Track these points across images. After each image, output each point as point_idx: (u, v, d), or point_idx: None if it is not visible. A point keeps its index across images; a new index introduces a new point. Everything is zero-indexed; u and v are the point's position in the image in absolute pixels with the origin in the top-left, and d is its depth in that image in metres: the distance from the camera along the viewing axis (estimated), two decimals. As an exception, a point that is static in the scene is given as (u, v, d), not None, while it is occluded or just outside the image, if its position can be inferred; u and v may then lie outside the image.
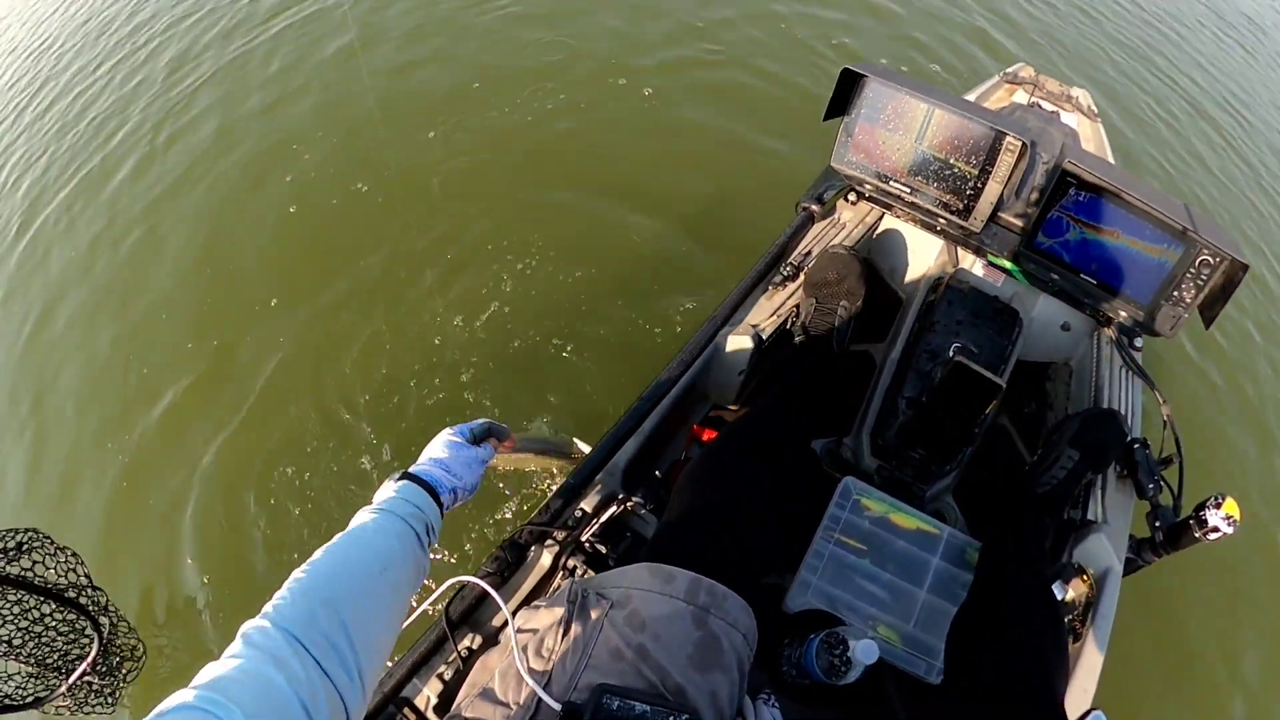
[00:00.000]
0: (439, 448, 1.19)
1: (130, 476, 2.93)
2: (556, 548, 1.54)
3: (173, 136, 4.35)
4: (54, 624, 2.34)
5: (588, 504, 1.62)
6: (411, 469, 1.15)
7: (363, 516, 1.02)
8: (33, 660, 2.28)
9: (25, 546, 2.33)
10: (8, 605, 2.24)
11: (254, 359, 3.14)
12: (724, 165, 3.90)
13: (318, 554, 0.91)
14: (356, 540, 0.95)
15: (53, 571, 2.35)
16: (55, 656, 2.37)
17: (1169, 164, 4.76)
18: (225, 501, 2.78)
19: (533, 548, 1.56)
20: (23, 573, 2.25)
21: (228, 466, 2.87)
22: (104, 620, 2.36)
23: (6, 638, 2.21)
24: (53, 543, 2.39)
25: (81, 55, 5.52)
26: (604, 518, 1.59)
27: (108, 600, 2.37)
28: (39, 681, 2.38)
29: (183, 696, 0.65)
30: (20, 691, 2.37)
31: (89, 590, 2.35)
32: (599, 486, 1.66)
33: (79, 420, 3.16)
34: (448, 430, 1.23)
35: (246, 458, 2.86)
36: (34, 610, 2.28)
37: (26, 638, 2.27)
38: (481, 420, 1.28)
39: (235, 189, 3.91)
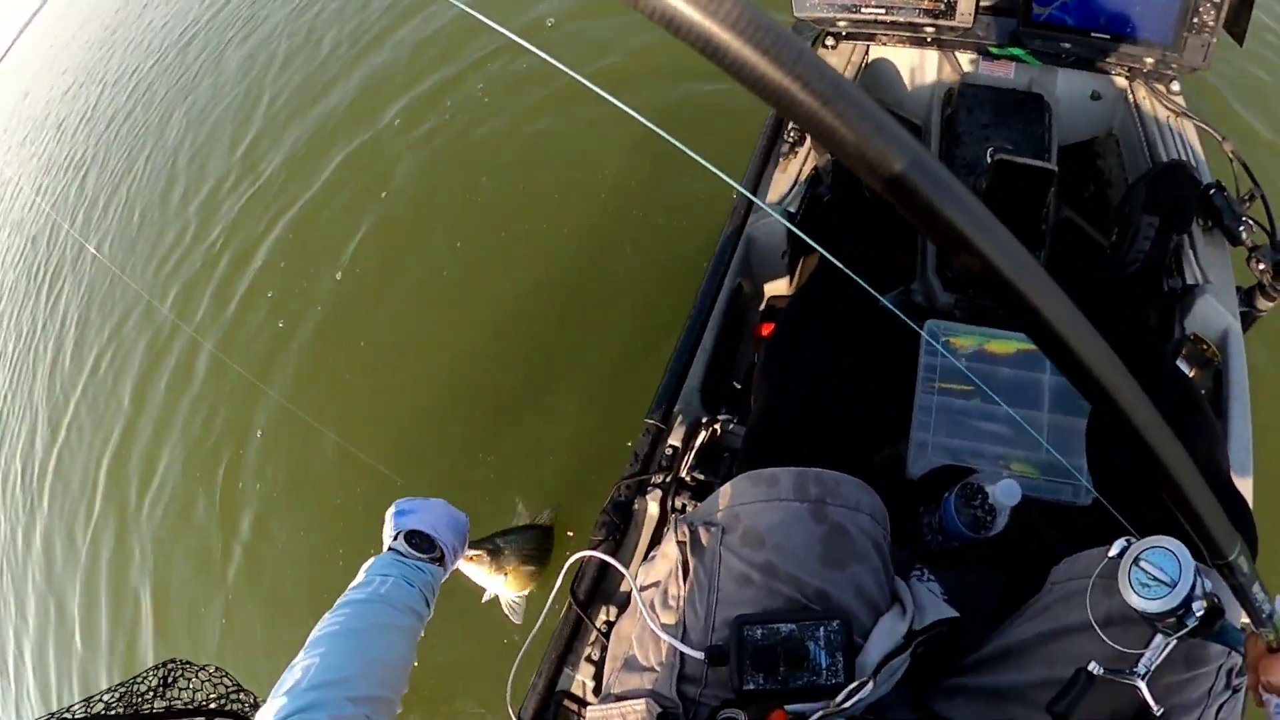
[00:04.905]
0: (459, 536, 1.40)
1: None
2: (659, 492, 1.46)
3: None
4: (219, 740, 2.38)
5: (675, 439, 1.54)
6: (435, 539, 1.30)
7: (386, 575, 1.14)
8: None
9: (170, 679, 2.36)
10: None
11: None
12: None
13: (335, 626, 0.99)
14: (376, 614, 1.06)
15: (201, 693, 2.39)
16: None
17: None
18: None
19: (635, 500, 1.49)
20: (170, 703, 2.28)
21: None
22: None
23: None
24: (192, 665, 2.43)
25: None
26: (695, 446, 1.51)
27: (256, 698, 2.39)
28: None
29: None
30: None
31: (238, 695, 2.38)
32: (679, 418, 1.57)
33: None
34: (463, 517, 1.45)
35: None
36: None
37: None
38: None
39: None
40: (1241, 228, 1.65)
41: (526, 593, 1.96)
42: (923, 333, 1.65)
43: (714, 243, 1.89)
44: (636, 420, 1.64)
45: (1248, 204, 1.70)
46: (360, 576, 1.16)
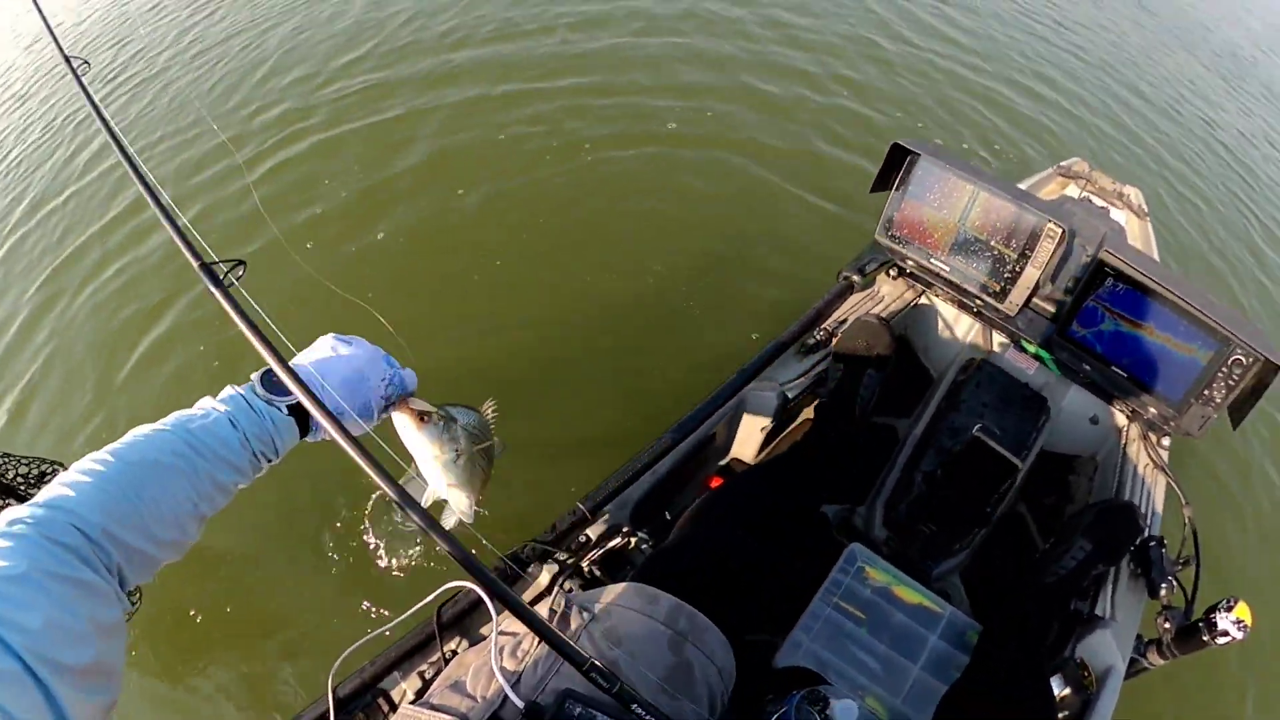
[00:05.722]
0: (354, 399, 1.04)
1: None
2: (556, 568, 1.57)
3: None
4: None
5: (594, 531, 1.65)
6: (317, 392, 0.96)
7: (216, 409, 0.94)
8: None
9: (46, 476, 2.41)
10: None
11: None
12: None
13: (107, 454, 0.83)
14: (165, 449, 0.86)
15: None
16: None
17: (1215, 264, 4.75)
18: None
19: (533, 564, 1.59)
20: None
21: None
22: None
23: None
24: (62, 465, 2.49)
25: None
26: (608, 547, 1.61)
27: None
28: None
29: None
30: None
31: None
32: (607, 516, 1.69)
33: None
34: (378, 380, 1.07)
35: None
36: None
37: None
38: (402, 389, 1.11)
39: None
40: (1164, 585, 1.77)
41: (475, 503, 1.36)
42: (845, 551, 1.76)
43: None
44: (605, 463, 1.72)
45: (1180, 567, 1.81)
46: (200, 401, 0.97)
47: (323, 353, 1.05)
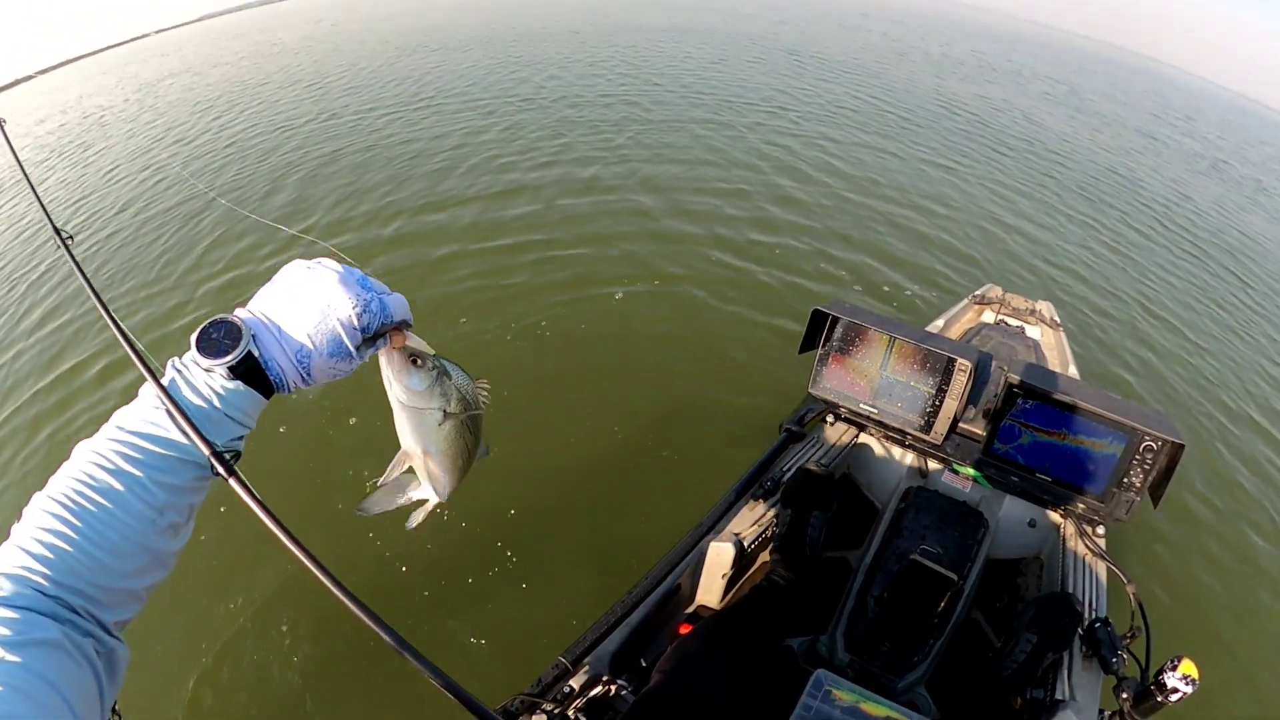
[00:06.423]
0: (320, 334, 0.84)
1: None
2: (545, 718, 1.76)
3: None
4: None
5: (576, 681, 1.86)
6: (266, 357, 0.82)
7: (159, 404, 0.78)
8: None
9: None
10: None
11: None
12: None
13: (45, 497, 0.75)
14: (102, 475, 0.75)
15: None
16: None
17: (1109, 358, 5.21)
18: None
19: (523, 716, 1.80)
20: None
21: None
22: None
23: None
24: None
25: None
26: (590, 695, 1.82)
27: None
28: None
29: None
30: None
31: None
32: (588, 667, 1.90)
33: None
34: (345, 305, 0.84)
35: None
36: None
37: None
38: (385, 316, 0.88)
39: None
40: (1115, 659, 1.91)
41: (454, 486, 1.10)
42: (811, 677, 1.94)
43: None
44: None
45: (1130, 640, 1.96)
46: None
47: (279, 289, 0.85)
